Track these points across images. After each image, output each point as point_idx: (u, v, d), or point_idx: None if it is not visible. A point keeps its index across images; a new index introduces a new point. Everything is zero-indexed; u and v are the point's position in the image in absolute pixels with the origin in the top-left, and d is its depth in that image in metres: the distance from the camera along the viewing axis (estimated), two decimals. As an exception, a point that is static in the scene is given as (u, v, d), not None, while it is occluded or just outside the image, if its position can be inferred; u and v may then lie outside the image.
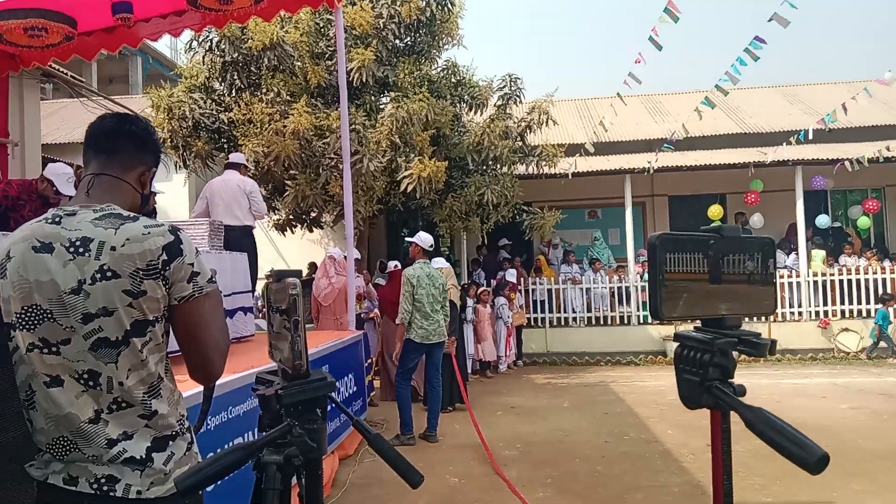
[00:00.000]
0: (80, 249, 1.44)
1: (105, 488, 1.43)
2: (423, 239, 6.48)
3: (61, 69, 9.45)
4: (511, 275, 11.04)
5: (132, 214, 1.55)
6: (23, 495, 1.62)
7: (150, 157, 1.67)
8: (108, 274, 1.43)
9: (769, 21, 8.33)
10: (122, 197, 1.60)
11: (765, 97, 15.93)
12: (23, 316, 1.45)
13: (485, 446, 5.58)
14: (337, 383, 1.43)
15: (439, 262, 8.09)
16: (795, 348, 10.92)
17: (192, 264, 1.51)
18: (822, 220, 12.35)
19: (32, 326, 1.45)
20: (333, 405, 1.44)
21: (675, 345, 1.21)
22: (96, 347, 1.43)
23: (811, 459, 0.96)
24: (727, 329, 1.17)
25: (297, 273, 1.37)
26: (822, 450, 0.97)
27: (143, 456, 1.47)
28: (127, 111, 10.84)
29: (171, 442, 1.51)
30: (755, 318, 11.19)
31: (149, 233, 1.48)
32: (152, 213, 6.03)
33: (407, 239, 6.59)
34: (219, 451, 1.27)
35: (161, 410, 1.51)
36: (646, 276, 11.76)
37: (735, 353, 1.15)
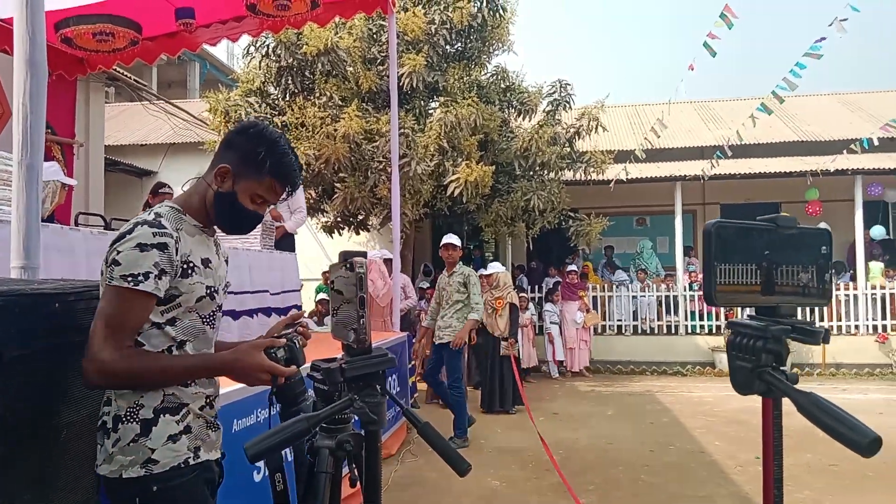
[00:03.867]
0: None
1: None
2: (455, 242, 6.47)
3: (124, 73, 9.87)
4: (576, 265, 10.91)
5: (176, 207, 1.67)
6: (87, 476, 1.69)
7: (233, 154, 1.66)
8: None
9: (829, 26, 8.12)
10: (189, 193, 1.71)
11: (822, 104, 15.47)
12: None
13: (546, 448, 5.54)
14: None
15: (496, 267, 8.19)
16: (851, 363, 10.55)
17: (118, 252, 1.50)
18: (877, 232, 11.91)
19: None
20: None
21: (728, 332, 1.22)
22: None
23: (863, 441, 0.96)
24: (781, 317, 1.18)
25: (363, 254, 1.45)
26: (874, 432, 0.97)
27: (109, 426, 1.55)
28: (185, 114, 11.15)
29: (120, 425, 1.53)
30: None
31: (134, 219, 1.59)
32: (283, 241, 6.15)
33: (446, 242, 6.47)
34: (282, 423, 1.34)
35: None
36: (694, 286, 11.55)
37: (788, 342, 1.15)
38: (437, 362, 6.47)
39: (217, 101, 9.31)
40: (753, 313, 1.22)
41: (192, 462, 1.58)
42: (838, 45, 8.26)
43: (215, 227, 1.73)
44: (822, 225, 6.80)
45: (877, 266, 11.34)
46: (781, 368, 1.14)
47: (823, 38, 8.23)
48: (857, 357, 10.63)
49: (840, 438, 1.00)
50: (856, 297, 10.97)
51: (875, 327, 10.86)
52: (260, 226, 5.77)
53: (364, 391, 1.29)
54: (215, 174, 1.66)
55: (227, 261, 1.85)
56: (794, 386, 1.10)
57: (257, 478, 3.32)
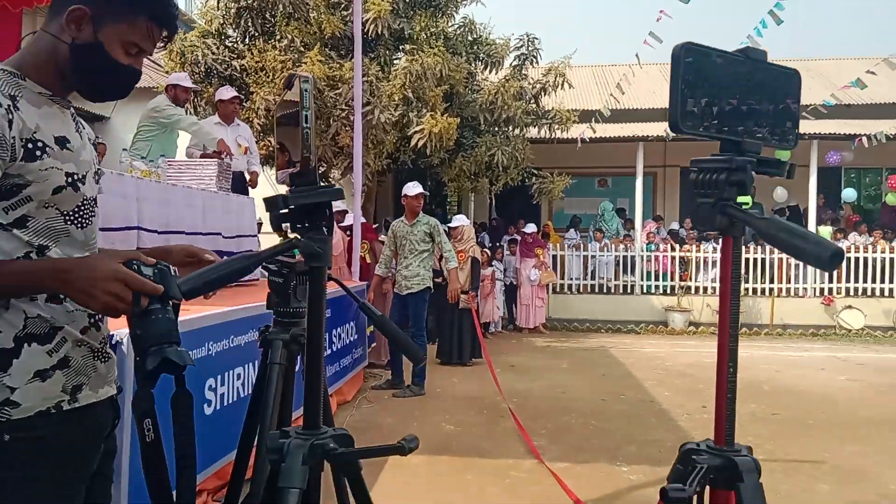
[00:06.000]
0: None
1: None
2: (416, 188, 6.43)
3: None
4: (530, 227, 10.97)
5: (7, 69, 1.25)
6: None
7: None
8: None
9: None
10: (26, 53, 1.29)
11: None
12: None
13: (499, 388, 5.59)
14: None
15: (461, 220, 8.18)
16: (798, 324, 10.93)
17: None
18: (849, 194, 12.24)
19: None
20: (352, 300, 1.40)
21: (693, 172, 1.20)
22: None
23: (825, 254, 0.96)
24: (745, 153, 1.17)
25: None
26: (835, 245, 0.98)
27: None
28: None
29: None
30: (758, 292, 11.20)
31: None
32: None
33: (418, 192, 6.42)
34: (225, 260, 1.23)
35: None
36: (651, 246, 11.75)
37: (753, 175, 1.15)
38: (402, 313, 6.43)
39: (172, 41, 8.92)
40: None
41: (66, 407, 1.24)
42: (799, 8, 8.34)
43: (75, 94, 1.33)
44: (780, 189, 6.86)
45: (826, 231, 11.67)
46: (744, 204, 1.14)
47: None
48: (803, 318, 11.02)
49: (802, 254, 1.00)
50: (805, 260, 11.30)
51: (821, 290, 11.24)
52: (216, 166, 5.59)
53: (309, 232, 1.18)
54: (66, 21, 1.24)
55: (94, 145, 1.44)
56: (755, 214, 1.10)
57: (208, 411, 3.27)
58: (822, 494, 3.76)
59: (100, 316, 1.31)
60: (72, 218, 1.29)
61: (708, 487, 1.21)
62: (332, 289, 4.97)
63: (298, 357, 1.64)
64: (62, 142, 1.26)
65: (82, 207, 1.31)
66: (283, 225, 1.20)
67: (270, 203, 1.20)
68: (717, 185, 1.14)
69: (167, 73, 9.55)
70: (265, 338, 1.57)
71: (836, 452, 4.51)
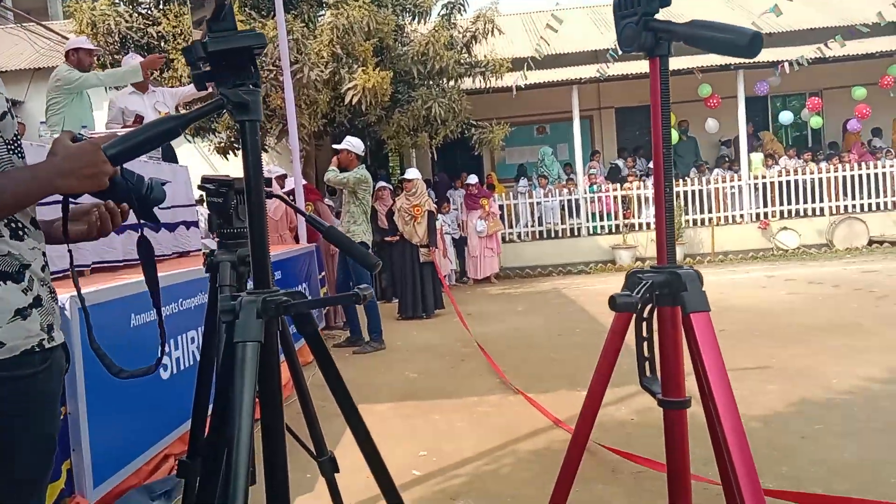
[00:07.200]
0: None
1: None
2: (356, 144, 6.33)
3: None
4: (472, 178, 10.95)
5: None
6: None
7: None
8: None
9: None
10: None
11: (705, 3, 15.90)
12: None
13: (466, 328, 5.65)
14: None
15: (414, 173, 8.09)
16: (737, 250, 11.34)
17: None
18: (786, 118, 12.61)
19: None
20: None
21: None
22: None
23: (744, 41, 0.97)
24: None
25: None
26: (752, 30, 0.99)
27: None
28: (51, 33, 10.07)
29: None
30: (698, 223, 11.54)
31: None
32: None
33: (336, 146, 6.38)
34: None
35: None
36: (594, 188, 11.92)
37: None
38: (345, 273, 6.40)
39: (81, 10, 8.43)
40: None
41: (47, 345, 1.22)
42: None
43: None
44: (711, 121, 6.97)
45: (757, 157, 12.07)
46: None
47: None
48: (742, 244, 11.44)
49: (723, 46, 1.02)
50: (740, 187, 11.69)
51: (757, 215, 11.66)
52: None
53: (234, 85, 1.11)
54: None
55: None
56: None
57: (165, 375, 3.18)
58: (773, 394, 3.95)
59: (47, 257, 1.28)
60: (13, 147, 1.23)
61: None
62: (279, 249, 4.86)
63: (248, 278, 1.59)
64: None
65: (17, 137, 1.25)
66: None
67: (187, 51, 1.13)
68: (639, 2, 1.14)
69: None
70: (211, 262, 1.51)
71: (781, 357, 4.74)
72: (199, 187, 1.47)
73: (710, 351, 1.30)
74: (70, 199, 1.24)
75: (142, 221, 1.29)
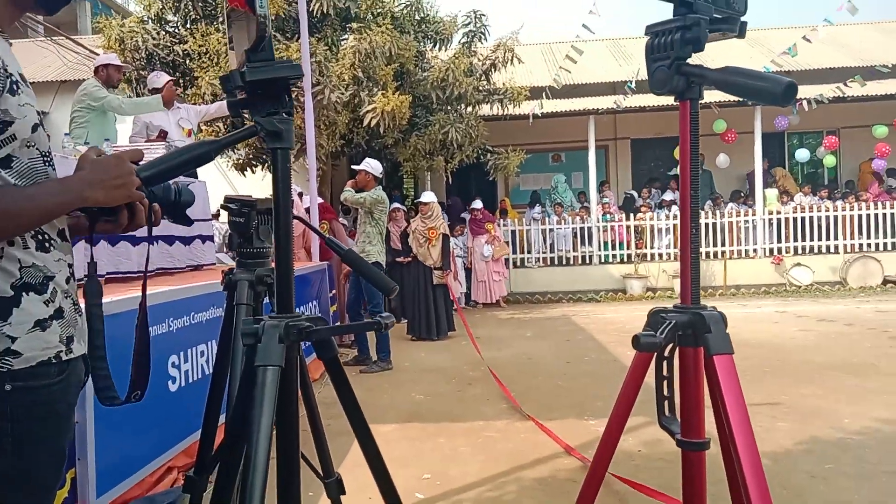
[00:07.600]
0: None
1: None
2: (374, 166, 6.42)
3: None
4: (477, 203, 10.99)
5: None
6: None
7: None
8: None
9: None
10: None
11: (724, 41, 16.01)
12: None
13: (478, 352, 5.64)
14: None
15: (430, 196, 8.15)
16: (750, 283, 11.28)
17: None
18: (802, 155, 12.62)
19: None
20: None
21: (648, 37, 1.23)
22: None
23: (779, 89, 1.00)
24: (698, 11, 1.19)
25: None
26: (787, 79, 1.01)
27: None
28: (79, 47, 10.23)
29: None
30: (711, 255, 11.50)
31: None
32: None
33: (355, 167, 6.48)
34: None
35: None
36: (607, 216, 11.94)
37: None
38: (357, 292, 6.44)
39: (110, 27, 8.63)
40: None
41: (64, 357, 1.21)
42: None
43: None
44: (722, 156, 6.99)
45: (772, 193, 12.04)
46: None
47: None
48: (755, 278, 11.37)
49: (758, 93, 1.04)
50: (754, 222, 11.65)
51: (771, 250, 11.61)
52: (163, 150, 5.45)
53: (268, 113, 1.15)
54: None
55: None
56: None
57: (173, 387, 3.21)
58: (783, 432, 3.91)
59: (72, 269, 1.29)
60: (48, 158, 1.23)
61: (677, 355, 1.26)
62: (296, 265, 4.90)
63: (265, 299, 1.61)
64: (24, 78, 1.20)
65: (51, 150, 1.27)
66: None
67: (225, 80, 1.15)
68: (672, 46, 1.16)
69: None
70: (229, 280, 1.53)
71: (793, 395, 4.69)
72: (222, 207, 1.50)
73: (733, 394, 1.28)
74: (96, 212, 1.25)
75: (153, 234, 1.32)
